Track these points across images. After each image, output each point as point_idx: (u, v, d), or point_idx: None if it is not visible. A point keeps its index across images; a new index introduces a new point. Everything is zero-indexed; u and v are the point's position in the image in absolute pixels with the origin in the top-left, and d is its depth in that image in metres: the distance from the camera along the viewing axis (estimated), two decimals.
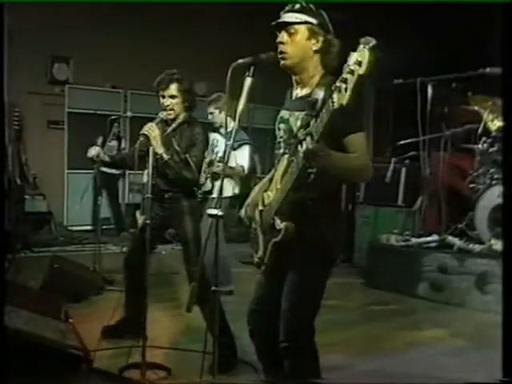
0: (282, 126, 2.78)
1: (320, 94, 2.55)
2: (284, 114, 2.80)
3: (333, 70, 2.70)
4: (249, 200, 2.93)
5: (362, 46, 2.12)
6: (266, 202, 2.74)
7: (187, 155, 4.09)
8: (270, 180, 2.80)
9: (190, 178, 4.11)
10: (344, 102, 2.15)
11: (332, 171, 2.49)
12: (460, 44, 8.09)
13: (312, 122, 2.43)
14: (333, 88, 2.20)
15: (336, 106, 2.18)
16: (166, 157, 4.00)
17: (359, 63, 2.10)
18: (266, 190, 2.80)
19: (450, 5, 7.63)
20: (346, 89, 2.14)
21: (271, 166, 2.93)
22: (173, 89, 4.13)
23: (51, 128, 10.63)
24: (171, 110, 4.15)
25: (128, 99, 11.00)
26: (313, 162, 2.36)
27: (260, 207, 2.78)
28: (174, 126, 4.22)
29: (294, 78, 2.76)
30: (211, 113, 5.78)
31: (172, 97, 4.14)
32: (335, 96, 2.18)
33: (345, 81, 2.14)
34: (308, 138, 2.31)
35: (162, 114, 4.11)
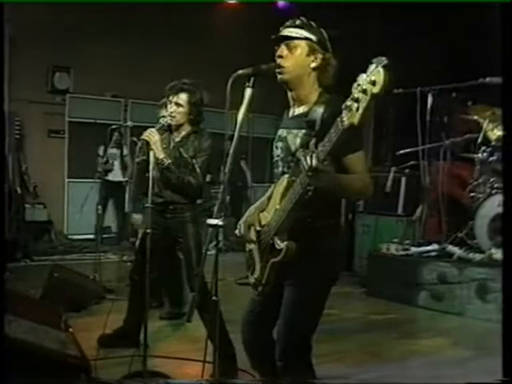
0: (280, 144, 2.75)
1: (318, 113, 2.56)
2: (281, 132, 2.77)
3: (329, 88, 2.70)
4: (243, 219, 2.89)
5: (375, 66, 2.07)
6: (264, 222, 2.72)
7: (194, 161, 4.12)
8: (268, 200, 2.79)
9: (194, 183, 4.13)
10: (355, 122, 2.10)
11: (334, 191, 2.46)
12: (460, 52, 8.10)
13: (312, 141, 2.41)
14: (343, 107, 2.15)
15: (346, 125, 2.14)
16: (166, 161, 4.04)
17: (373, 82, 2.05)
18: (262, 211, 2.78)
19: (449, 10, 7.67)
20: (357, 108, 2.09)
21: (269, 182, 2.92)
22: (181, 97, 4.16)
23: (52, 137, 10.62)
24: (173, 117, 4.16)
25: (128, 108, 11.01)
26: (317, 181, 2.30)
27: (257, 227, 2.76)
28: (180, 137, 4.25)
29: (290, 94, 2.73)
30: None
31: (177, 105, 4.16)
32: (345, 115, 2.14)
33: (356, 100, 2.09)
34: (313, 157, 2.25)
35: (163, 120, 4.13)
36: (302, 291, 2.62)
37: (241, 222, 2.89)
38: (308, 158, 2.25)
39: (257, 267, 2.71)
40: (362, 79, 2.09)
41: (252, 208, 2.90)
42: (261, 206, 2.84)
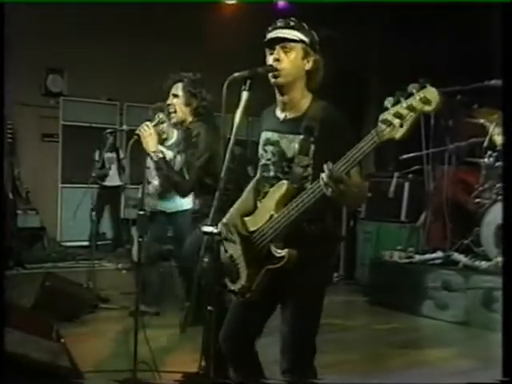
0: (271, 148, 2.70)
1: (316, 120, 2.55)
2: (272, 135, 2.71)
3: (316, 91, 2.70)
4: (224, 221, 2.77)
5: (421, 85, 2.11)
6: (252, 228, 2.63)
7: (185, 159, 4.05)
8: (254, 204, 2.75)
9: (180, 184, 3.97)
10: (397, 137, 2.17)
11: (343, 201, 2.46)
12: (464, 54, 8.08)
13: (312, 148, 2.51)
14: (380, 120, 2.19)
15: (384, 139, 2.19)
16: (155, 157, 3.89)
17: (426, 101, 2.10)
18: (247, 215, 2.71)
19: (451, 11, 7.69)
20: (401, 124, 2.15)
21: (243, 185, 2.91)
22: (178, 87, 4.07)
23: (45, 141, 10.60)
24: (173, 111, 4.06)
25: (124, 112, 11.01)
26: (336, 193, 2.26)
27: (243, 233, 2.67)
28: (183, 134, 4.18)
29: (281, 98, 2.68)
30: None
31: (175, 95, 4.07)
32: (384, 129, 2.19)
33: (400, 116, 2.15)
34: (337, 168, 2.26)
35: (160, 116, 4.06)
36: (303, 297, 2.62)
37: (221, 224, 2.76)
38: (331, 169, 2.25)
39: (242, 274, 2.62)
40: (413, 96, 2.13)
41: (232, 210, 2.81)
42: (243, 210, 2.77)
